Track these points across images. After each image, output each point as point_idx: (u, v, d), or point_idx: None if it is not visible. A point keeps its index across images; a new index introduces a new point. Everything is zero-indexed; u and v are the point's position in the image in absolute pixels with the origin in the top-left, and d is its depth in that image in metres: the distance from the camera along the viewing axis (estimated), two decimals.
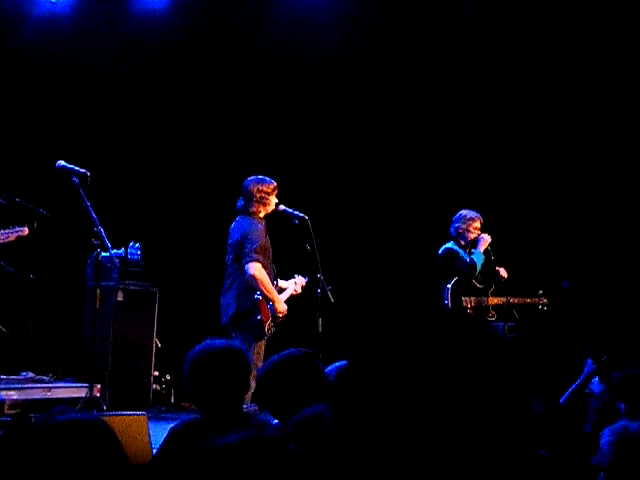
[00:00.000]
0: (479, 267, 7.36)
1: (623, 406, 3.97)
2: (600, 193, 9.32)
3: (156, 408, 8.01)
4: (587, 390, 5.21)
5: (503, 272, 7.47)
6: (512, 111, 9.49)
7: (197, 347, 3.17)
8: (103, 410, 7.15)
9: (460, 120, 9.55)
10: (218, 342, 3.13)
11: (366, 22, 9.53)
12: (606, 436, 3.07)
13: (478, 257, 7.34)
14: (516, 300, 7.52)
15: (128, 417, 4.64)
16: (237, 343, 3.23)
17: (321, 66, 9.54)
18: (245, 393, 3.28)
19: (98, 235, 5.51)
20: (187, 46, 9.54)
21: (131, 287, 8.19)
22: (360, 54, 9.56)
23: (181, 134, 9.50)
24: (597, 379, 5.13)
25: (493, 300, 7.47)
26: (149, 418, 6.62)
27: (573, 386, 5.15)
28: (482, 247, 7.38)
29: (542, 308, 7.68)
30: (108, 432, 2.29)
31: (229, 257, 6.42)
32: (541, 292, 7.65)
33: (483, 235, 7.41)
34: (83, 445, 2.13)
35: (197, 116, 9.52)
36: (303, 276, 6.77)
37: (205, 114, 9.51)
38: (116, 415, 4.72)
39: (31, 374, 7.25)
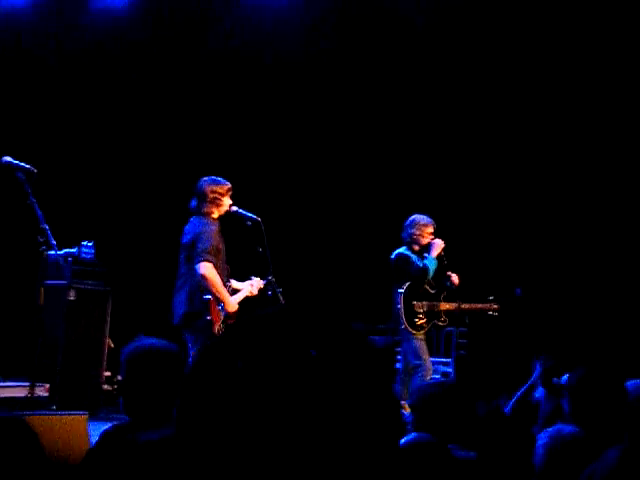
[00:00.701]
0: (432, 272, 7.40)
1: (567, 407, 4.00)
2: (552, 200, 9.41)
3: (107, 409, 7.93)
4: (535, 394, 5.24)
5: (455, 278, 7.52)
6: (465, 114, 9.56)
7: (131, 345, 3.14)
8: (51, 409, 7.11)
9: (412, 124, 9.62)
10: (150, 341, 3.09)
11: (331, 18, 9.55)
12: (541, 439, 3.11)
13: (431, 262, 7.37)
14: (467, 306, 7.59)
15: (67, 417, 4.60)
16: (170, 344, 3.15)
17: (280, 64, 9.56)
18: (176, 395, 3.21)
19: (44, 232, 5.46)
20: (146, 42, 9.51)
21: (84, 286, 8.11)
22: (323, 51, 9.58)
23: (137, 131, 9.45)
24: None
25: (445, 305, 7.52)
26: (99, 419, 6.60)
27: (519, 392, 5.18)
28: (435, 252, 7.41)
29: (492, 314, 7.73)
30: (25, 431, 2.25)
31: (181, 257, 6.39)
32: (492, 298, 7.71)
33: (436, 240, 7.45)
34: None
35: (153, 114, 9.49)
36: (262, 278, 6.72)
37: (161, 112, 9.48)
38: (55, 415, 4.67)
39: None
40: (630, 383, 3.81)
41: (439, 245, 7.43)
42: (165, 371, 3.00)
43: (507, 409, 4.41)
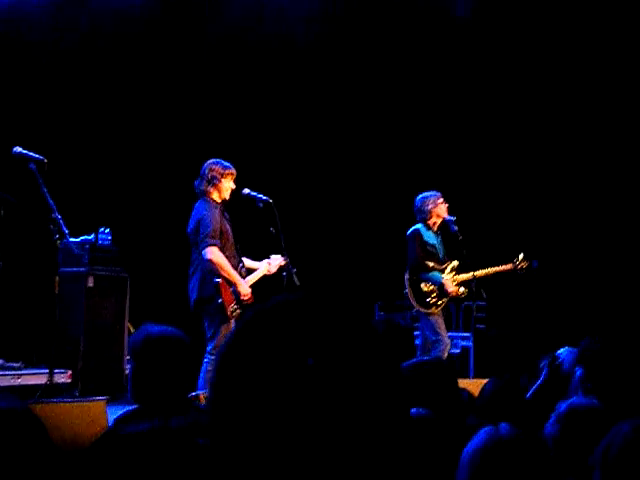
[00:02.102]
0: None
1: (580, 372, 3.99)
2: (571, 175, 9.36)
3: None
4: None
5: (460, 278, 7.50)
6: (473, 92, 9.52)
7: (138, 333, 3.16)
8: (74, 395, 7.20)
9: (423, 102, 9.59)
10: (157, 329, 3.09)
11: (334, 2, 9.53)
12: (557, 410, 3.10)
13: (436, 278, 7.33)
14: (483, 272, 7.52)
15: (86, 403, 4.65)
16: (178, 331, 3.15)
17: (284, 48, 9.55)
18: (188, 381, 3.23)
19: (56, 222, 5.50)
20: (147, 28, 9.52)
21: (102, 272, 8.16)
22: (323, 36, 9.57)
23: (150, 117, 9.47)
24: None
25: (458, 278, 7.49)
26: (122, 402, 6.67)
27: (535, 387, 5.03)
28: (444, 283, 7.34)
29: (521, 272, 7.63)
30: (30, 420, 2.27)
31: (191, 244, 6.44)
32: (521, 256, 7.64)
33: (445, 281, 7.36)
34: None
35: (165, 98, 9.50)
36: (282, 255, 6.70)
37: (171, 97, 9.49)
38: (73, 402, 4.73)
39: (1, 361, 7.24)
40: None
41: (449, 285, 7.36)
42: (173, 358, 3.00)
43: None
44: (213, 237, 6.17)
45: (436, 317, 7.36)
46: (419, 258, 7.33)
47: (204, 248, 6.17)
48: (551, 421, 3.06)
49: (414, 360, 3.30)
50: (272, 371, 0.98)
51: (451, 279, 7.46)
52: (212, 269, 6.21)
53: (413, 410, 2.34)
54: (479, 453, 2.04)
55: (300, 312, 1.04)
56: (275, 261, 6.69)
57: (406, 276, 7.40)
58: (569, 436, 2.94)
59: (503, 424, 2.06)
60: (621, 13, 9.07)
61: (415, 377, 3.01)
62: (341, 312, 1.05)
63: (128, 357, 8.29)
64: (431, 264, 7.42)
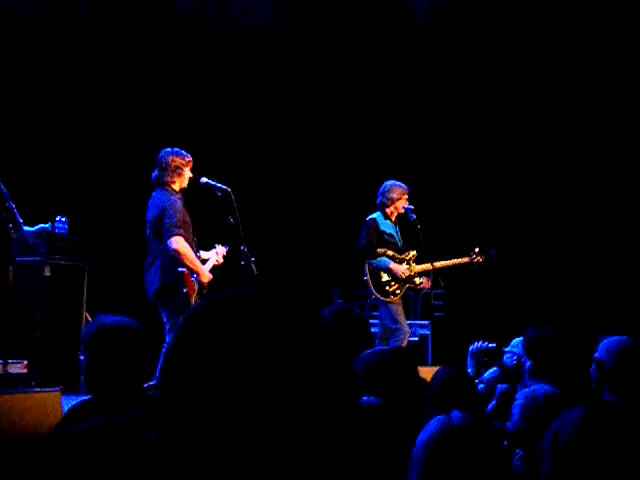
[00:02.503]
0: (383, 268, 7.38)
1: (528, 364, 4.04)
2: (526, 165, 9.45)
3: None
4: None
5: (426, 283, 7.54)
6: (431, 82, 9.57)
7: (91, 324, 3.13)
8: (31, 385, 7.13)
9: (382, 90, 9.61)
10: (110, 319, 3.07)
11: None
12: (518, 399, 3.14)
13: (383, 263, 7.36)
14: (442, 264, 7.57)
15: (41, 394, 4.62)
16: (132, 321, 3.13)
17: (248, 35, 9.51)
18: (143, 372, 3.19)
19: (9, 211, 5.43)
20: (105, 15, 9.42)
21: (59, 262, 8.08)
22: (293, 20, 9.54)
23: (106, 104, 9.38)
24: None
25: (416, 268, 7.53)
26: (79, 393, 6.61)
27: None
28: (392, 267, 7.37)
29: (477, 267, 7.69)
30: None
31: (148, 233, 6.37)
32: (477, 250, 7.69)
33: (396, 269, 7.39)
34: None
35: (121, 85, 9.41)
36: (223, 245, 6.76)
37: (129, 84, 9.41)
38: (28, 393, 4.69)
39: None
40: (604, 342, 3.84)
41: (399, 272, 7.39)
42: (127, 348, 2.98)
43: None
44: (178, 227, 6.14)
45: (395, 305, 7.40)
46: (365, 246, 7.35)
47: (169, 237, 6.12)
48: (514, 408, 3.10)
49: (375, 349, 3.32)
50: (220, 364, 0.99)
51: (409, 268, 7.50)
52: (177, 259, 6.18)
53: (364, 399, 2.36)
54: (432, 441, 2.06)
55: (249, 305, 1.04)
56: (220, 250, 6.72)
57: (365, 264, 7.42)
58: (529, 423, 2.98)
59: (455, 412, 2.08)
60: (620, 13, 9.16)
61: (376, 366, 3.03)
62: (290, 306, 1.05)
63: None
64: (391, 252, 7.46)
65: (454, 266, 7.65)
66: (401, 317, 7.41)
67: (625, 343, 3.78)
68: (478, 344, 4.69)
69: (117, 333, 2.99)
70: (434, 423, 2.07)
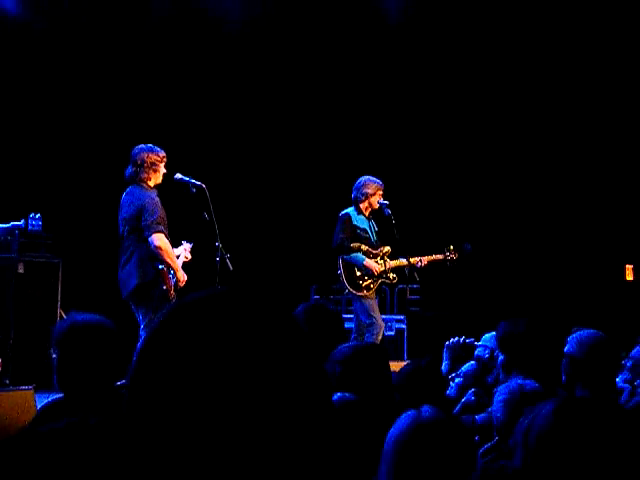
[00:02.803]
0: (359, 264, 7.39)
1: (502, 358, 4.04)
2: (502, 162, 9.49)
3: None
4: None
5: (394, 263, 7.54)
6: (406, 79, 9.58)
7: (63, 321, 3.11)
8: (4, 383, 7.08)
9: (355, 87, 9.61)
10: (88, 317, 3.05)
11: None
12: (500, 394, 3.13)
13: (359, 259, 7.37)
14: (417, 260, 7.57)
15: (13, 392, 4.58)
16: (104, 319, 3.10)
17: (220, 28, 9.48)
18: (116, 369, 3.14)
19: None
20: (83, 9, 9.34)
21: (33, 259, 8.03)
22: (258, 20, 9.52)
23: (80, 99, 9.31)
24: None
25: (390, 264, 7.53)
26: (54, 390, 6.58)
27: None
28: (366, 264, 7.38)
29: (451, 264, 7.71)
30: None
31: (124, 230, 6.28)
32: (451, 248, 7.71)
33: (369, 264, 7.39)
34: None
35: (94, 82, 9.35)
36: (188, 241, 6.72)
37: (102, 80, 9.35)
38: (1, 391, 4.65)
39: None
40: (574, 336, 3.83)
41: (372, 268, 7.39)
42: (98, 346, 2.96)
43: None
44: (159, 224, 6.09)
45: (370, 300, 7.41)
46: (341, 240, 7.36)
47: (151, 234, 6.06)
48: (498, 403, 3.09)
49: (348, 344, 3.32)
50: (191, 366, 0.98)
51: (383, 264, 7.50)
52: (158, 255, 6.12)
53: (338, 395, 2.36)
54: (402, 436, 2.07)
55: (222, 306, 1.04)
56: (187, 247, 6.69)
57: (339, 259, 7.43)
58: (515, 418, 2.98)
59: (425, 407, 2.09)
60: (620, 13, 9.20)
61: (349, 361, 3.04)
62: (262, 307, 1.05)
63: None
64: (365, 247, 7.46)
65: (428, 262, 7.66)
66: (375, 312, 7.41)
67: (595, 337, 3.76)
68: (455, 339, 4.70)
69: (88, 331, 2.97)
70: (404, 418, 2.08)
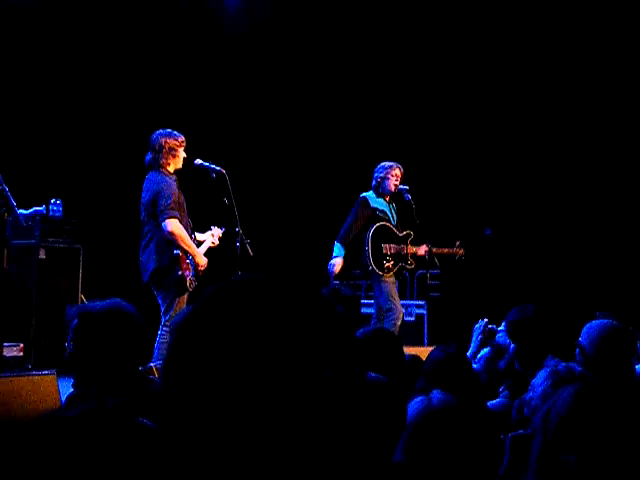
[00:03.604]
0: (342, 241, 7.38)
1: (513, 346, 4.01)
2: (517, 141, 9.43)
3: None
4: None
5: (419, 251, 7.52)
6: (428, 57, 9.53)
7: (79, 307, 3.10)
8: (27, 368, 7.14)
9: (373, 75, 9.58)
10: (103, 303, 3.00)
11: None
12: (540, 377, 3.11)
13: (339, 252, 7.37)
14: (435, 250, 7.59)
15: (36, 377, 4.61)
16: (127, 305, 3.07)
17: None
18: (138, 355, 3.09)
19: (2, 193, 5.41)
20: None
21: (54, 244, 8.07)
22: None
23: (103, 86, 9.34)
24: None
25: (413, 249, 7.53)
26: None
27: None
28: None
29: (459, 259, 7.73)
30: None
31: (144, 215, 6.34)
32: (458, 243, 7.71)
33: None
34: None
35: (117, 68, 9.37)
36: (219, 227, 6.75)
37: (123, 66, 9.37)
38: (23, 375, 4.68)
39: None
40: (586, 327, 3.77)
41: None
42: (117, 332, 2.92)
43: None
44: (173, 209, 6.12)
45: (389, 285, 7.39)
46: (346, 229, 7.36)
47: (164, 220, 6.10)
48: (537, 387, 3.05)
49: (361, 330, 3.32)
50: (230, 349, 0.98)
51: (405, 247, 7.49)
52: (172, 241, 6.16)
53: (372, 375, 2.36)
54: (412, 422, 2.07)
55: (259, 291, 1.04)
56: (216, 232, 6.71)
57: (369, 233, 7.38)
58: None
59: (435, 393, 2.08)
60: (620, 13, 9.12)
61: (361, 345, 3.03)
62: (299, 292, 1.05)
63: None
64: (389, 225, 7.46)
65: (443, 255, 7.67)
66: (395, 297, 7.38)
67: (607, 327, 3.67)
68: (483, 321, 4.67)
69: (107, 316, 2.92)
70: (415, 404, 2.08)
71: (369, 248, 7.33)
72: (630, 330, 3.87)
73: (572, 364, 3.11)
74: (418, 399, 2.08)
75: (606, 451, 1.94)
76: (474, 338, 4.63)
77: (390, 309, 7.27)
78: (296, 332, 1.00)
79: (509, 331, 3.92)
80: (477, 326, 4.64)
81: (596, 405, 2.00)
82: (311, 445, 0.98)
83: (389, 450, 2.14)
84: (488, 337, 4.56)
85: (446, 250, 7.67)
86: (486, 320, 4.66)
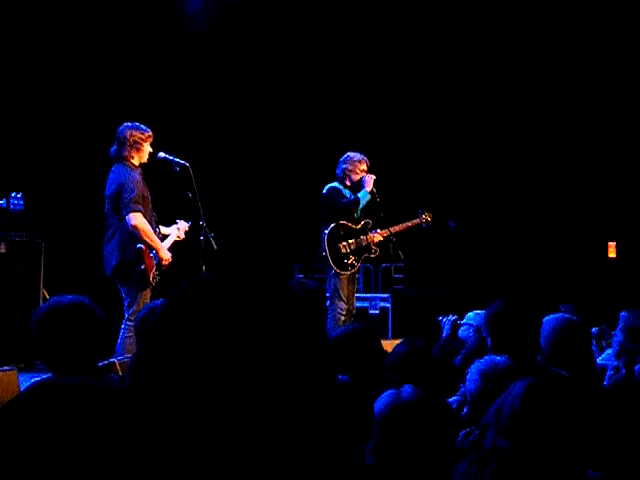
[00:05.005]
0: (363, 204, 7.35)
1: (489, 340, 4.04)
2: (479, 132, 9.49)
3: None
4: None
5: (378, 237, 7.50)
6: (392, 51, 9.55)
7: (44, 304, 3.10)
8: None
9: (339, 61, 9.58)
10: (66, 298, 3.05)
11: None
12: (473, 369, 3.15)
13: (364, 196, 7.35)
14: (397, 228, 7.57)
15: None
16: (86, 299, 3.11)
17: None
18: (97, 349, 3.16)
19: None
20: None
21: (14, 238, 7.97)
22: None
23: (66, 77, 9.23)
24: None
25: (372, 237, 7.50)
26: (36, 371, 6.55)
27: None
28: (368, 187, 7.38)
29: (427, 226, 7.69)
30: None
31: (107, 208, 6.29)
32: (421, 210, 7.69)
33: (367, 176, 7.41)
34: None
35: (81, 60, 9.27)
36: (185, 220, 6.72)
37: (88, 58, 9.27)
38: None
39: None
40: (545, 321, 3.81)
41: (370, 181, 7.40)
42: (78, 326, 2.96)
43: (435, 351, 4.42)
44: (137, 202, 6.08)
45: (341, 280, 7.32)
46: (346, 202, 7.31)
47: (128, 213, 6.06)
48: (473, 375, 3.10)
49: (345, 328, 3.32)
50: (202, 346, 0.97)
51: (366, 237, 7.47)
52: (135, 235, 6.12)
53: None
54: (382, 415, 2.08)
55: (232, 287, 1.03)
56: (182, 226, 6.68)
57: (325, 231, 7.35)
58: (487, 390, 2.99)
59: (406, 387, 2.09)
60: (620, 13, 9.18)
61: (339, 344, 3.03)
62: (272, 288, 1.05)
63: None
64: (346, 223, 7.44)
65: (407, 229, 7.63)
66: (342, 293, 7.31)
67: (560, 321, 3.72)
68: (451, 317, 4.69)
69: (67, 311, 2.97)
70: (384, 398, 2.09)
71: (327, 253, 7.30)
72: (584, 323, 3.92)
73: (499, 358, 3.14)
74: (387, 393, 2.09)
75: (557, 445, 1.96)
76: (444, 333, 4.65)
77: (333, 303, 7.25)
78: (270, 328, 0.99)
79: (486, 326, 3.93)
80: (446, 319, 4.66)
81: (546, 400, 2.02)
82: (282, 444, 0.97)
83: (357, 450, 2.15)
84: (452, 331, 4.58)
85: (410, 223, 7.65)
86: (456, 316, 4.68)
